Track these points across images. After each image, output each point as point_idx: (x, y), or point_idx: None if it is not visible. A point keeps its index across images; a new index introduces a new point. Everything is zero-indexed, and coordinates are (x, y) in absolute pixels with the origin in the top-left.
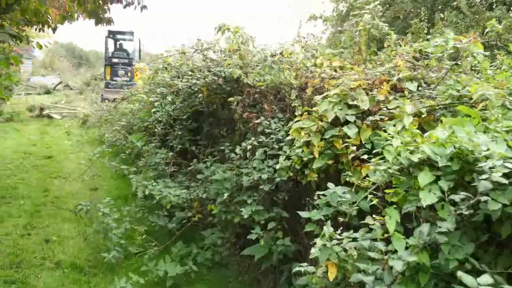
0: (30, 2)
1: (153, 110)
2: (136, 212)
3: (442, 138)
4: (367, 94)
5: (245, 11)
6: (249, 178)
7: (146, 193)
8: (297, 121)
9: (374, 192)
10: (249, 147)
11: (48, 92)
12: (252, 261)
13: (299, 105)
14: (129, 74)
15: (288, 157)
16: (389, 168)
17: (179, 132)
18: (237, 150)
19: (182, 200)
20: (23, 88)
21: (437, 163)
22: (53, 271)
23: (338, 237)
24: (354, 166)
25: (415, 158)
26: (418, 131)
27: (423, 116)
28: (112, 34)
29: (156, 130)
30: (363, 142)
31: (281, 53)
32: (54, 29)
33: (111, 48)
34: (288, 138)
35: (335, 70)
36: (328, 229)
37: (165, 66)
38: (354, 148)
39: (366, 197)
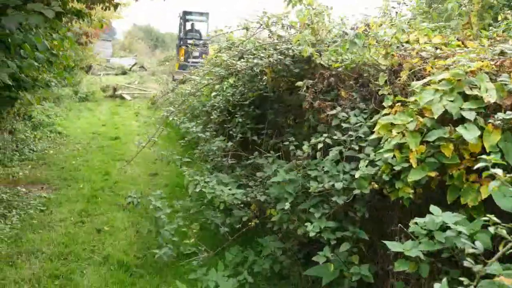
0: None
1: (213, 94)
2: (189, 207)
3: None
4: (492, 80)
5: None
6: (318, 185)
7: (197, 190)
8: (386, 114)
9: (498, 221)
10: (320, 145)
11: (124, 73)
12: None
13: (389, 94)
14: (203, 55)
15: (372, 163)
16: None
17: (240, 120)
18: (305, 147)
19: (237, 202)
20: (102, 68)
21: None
22: (99, 267)
23: None
24: (469, 182)
25: None
26: None
27: None
28: (186, 14)
29: (212, 117)
30: (488, 150)
31: (367, 25)
32: (115, 6)
33: (185, 29)
34: (373, 136)
35: (438, 49)
36: None
37: (228, 46)
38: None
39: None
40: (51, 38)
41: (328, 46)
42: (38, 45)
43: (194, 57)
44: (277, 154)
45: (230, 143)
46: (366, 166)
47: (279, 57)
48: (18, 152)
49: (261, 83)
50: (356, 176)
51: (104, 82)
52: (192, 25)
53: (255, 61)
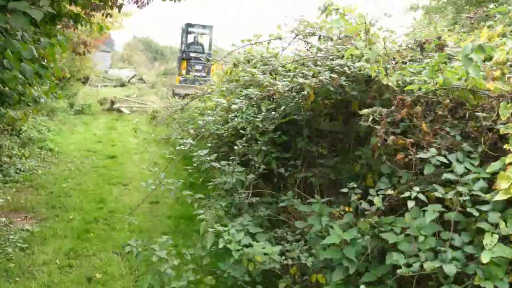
0: None
1: (231, 115)
2: (202, 257)
3: None
4: None
5: None
6: (412, 265)
7: (220, 246)
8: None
9: None
10: (411, 203)
11: (122, 85)
12: None
13: None
14: (206, 69)
15: (504, 239)
16: None
17: (264, 147)
18: (376, 199)
19: (274, 263)
20: (100, 80)
21: None
22: None
23: None
24: None
25: None
26: None
27: None
28: (189, 27)
29: (236, 145)
30: None
31: (438, 38)
32: (119, 7)
33: (186, 42)
34: (498, 197)
35: None
36: None
37: (247, 59)
38: None
39: None
40: (40, 45)
41: (395, 63)
42: (24, 53)
43: (197, 71)
44: (324, 200)
45: (251, 176)
46: (495, 243)
47: (331, 75)
48: (2, 173)
49: (296, 105)
50: (484, 259)
51: (102, 94)
52: (195, 38)
53: (301, 80)
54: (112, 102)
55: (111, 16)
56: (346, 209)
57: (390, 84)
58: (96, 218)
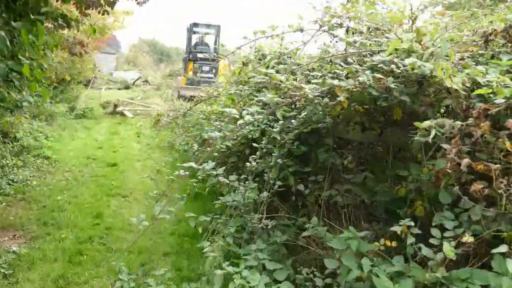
0: None
1: (240, 122)
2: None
3: None
4: None
5: None
6: None
7: None
8: None
9: None
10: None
11: (127, 87)
12: None
13: None
14: (213, 70)
15: None
16: None
17: (279, 160)
18: (446, 246)
19: None
20: (104, 82)
21: None
22: None
23: None
24: None
25: None
26: None
27: None
28: (195, 26)
29: (248, 161)
30: None
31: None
32: (112, 4)
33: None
34: None
35: None
36: None
37: (258, 57)
38: None
39: None
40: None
41: (459, 59)
42: None
43: (204, 72)
44: (362, 234)
45: (265, 194)
46: None
47: (376, 75)
48: None
49: (323, 113)
50: None
51: (105, 97)
52: (201, 37)
53: (335, 82)
54: (115, 106)
55: (108, 14)
56: (387, 243)
57: (455, 86)
58: (91, 237)
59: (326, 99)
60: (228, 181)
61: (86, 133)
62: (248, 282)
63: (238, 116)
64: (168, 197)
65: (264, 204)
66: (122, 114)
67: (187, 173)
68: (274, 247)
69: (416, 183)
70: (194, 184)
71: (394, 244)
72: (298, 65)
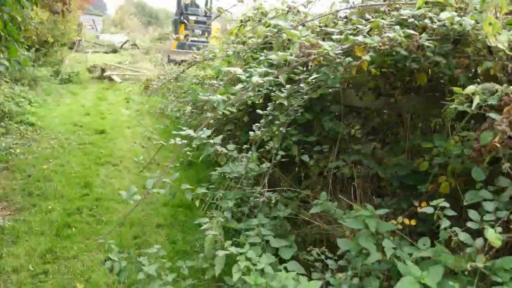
0: None
1: (239, 86)
2: (203, 269)
3: None
4: None
5: None
6: None
7: (235, 279)
8: None
9: None
10: None
11: (115, 51)
12: None
13: None
14: (205, 33)
15: None
16: None
17: (282, 129)
18: (492, 234)
19: None
20: (90, 45)
21: None
22: None
23: None
24: None
25: None
26: None
27: None
28: None
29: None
30: None
31: None
32: None
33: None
34: None
35: None
36: None
37: (258, 17)
38: None
39: None
40: None
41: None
42: None
43: (195, 35)
44: (381, 212)
45: (266, 164)
46: None
47: (408, 31)
48: None
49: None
50: None
51: (92, 61)
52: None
53: (359, 38)
54: (103, 70)
55: None
56: (405, 221)
57: (500, 46)
58: (80, 208)
59: (349, 58)
60: (226, 151)
61: (72, 98)
62: (254, 264)
63: (243, 77)
64: (160, 167)
65: (266, 175)
66: (110, 79)
67: (184, 141)
68: (276, 222)
69: (442, 157)
70: (188, 152)
71: (413, 222)
72: (308, 20)
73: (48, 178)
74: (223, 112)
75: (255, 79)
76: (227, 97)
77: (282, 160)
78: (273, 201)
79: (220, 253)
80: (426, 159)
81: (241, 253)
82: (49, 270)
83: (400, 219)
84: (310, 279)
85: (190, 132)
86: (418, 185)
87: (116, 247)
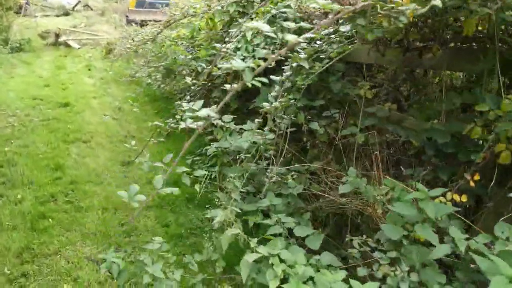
0: None
1: (232, 46)
2: (213, 261)
3: None
4: None
5: None
6: None
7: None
8: None
9: None
10: None
11: (66, 13)
12: None
13: None
14: None
15: None
16: None
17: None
18: None
19: None
20: (38, 9)
21: None
22: None
23: None
24: None
25: None
26: None
27: None
28: None
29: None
30: None
31: None
32: None
33: None
34: None
35: None
36: None
37: None
38: None
39: None
40: None
41: None
42: None
43: None
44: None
45: (270, 135)
46: None
47: None
48: None
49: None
50: None
51: (43, 26)
52: None
53: None
54: (57, 35)
55: None
56: (455, 197)
57: None
58: (54, 195)
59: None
60: (223, 123)
61: (27, 69)
62: (291, 267)
63: (274, 35)
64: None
65: (282, 152)
66: (66, 44)
67: (200, 123)
68: (288, 200)
69: (506, 122)
70: (173, 124)
71: (464, 199)
72: None
73: (11, 162)
74: (207, 77)
75: (291, 37)
76: (256, 64)
77: (288, 130)
78: (289, 179)
79: (249, 257)
80: (478, 124)
81: (273, 255)
82: (29, 272)
83: (449, 195)
84: (347, 271)
85: (209, 111)
86: (459, 154)
87: (102, 238)
